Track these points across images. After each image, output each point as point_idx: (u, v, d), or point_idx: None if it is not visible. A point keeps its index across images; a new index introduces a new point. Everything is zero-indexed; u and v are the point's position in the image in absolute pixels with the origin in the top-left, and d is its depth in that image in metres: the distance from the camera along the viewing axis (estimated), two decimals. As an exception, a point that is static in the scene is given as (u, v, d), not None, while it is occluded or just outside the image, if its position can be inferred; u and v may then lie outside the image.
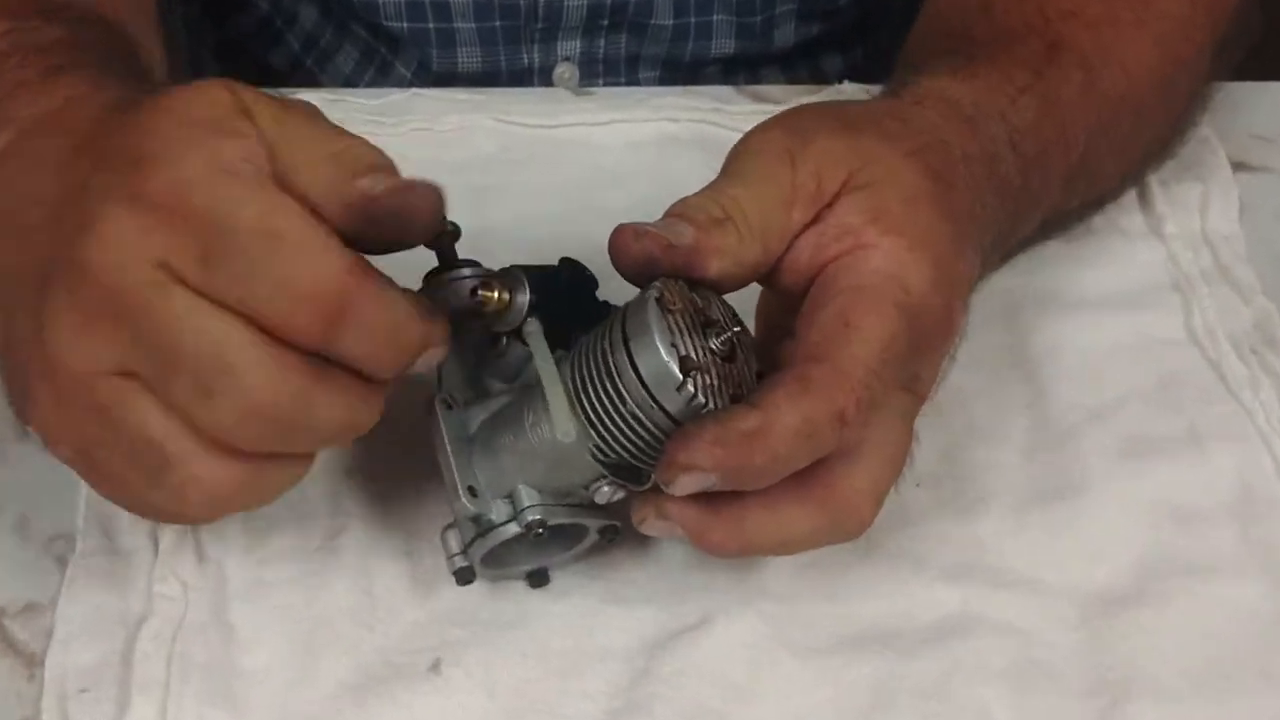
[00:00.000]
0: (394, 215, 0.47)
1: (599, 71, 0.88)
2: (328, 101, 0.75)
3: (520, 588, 0.58)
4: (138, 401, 0.46)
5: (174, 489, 0.47)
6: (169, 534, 0.58)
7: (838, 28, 0.91)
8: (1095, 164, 0.67)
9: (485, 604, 0.58)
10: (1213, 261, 0.71)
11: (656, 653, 0.56)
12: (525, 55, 0.86)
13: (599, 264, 0.54)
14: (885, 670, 0.56)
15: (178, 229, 0.44)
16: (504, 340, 0.54)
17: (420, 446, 0.56)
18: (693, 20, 0.85)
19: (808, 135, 0.54)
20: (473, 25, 0.84)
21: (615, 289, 0.54)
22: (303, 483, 0.50)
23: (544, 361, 0.52)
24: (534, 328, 0.53)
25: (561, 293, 0.55)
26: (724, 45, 0.87)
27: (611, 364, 0.50)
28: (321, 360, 0.46)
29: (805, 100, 0.74)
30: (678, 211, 0.52)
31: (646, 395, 0.49)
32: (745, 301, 0.55)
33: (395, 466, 0.60)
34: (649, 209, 0.53)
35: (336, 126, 0.48)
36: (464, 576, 0.56)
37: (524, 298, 0.53)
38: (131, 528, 0.59)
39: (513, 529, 0.54)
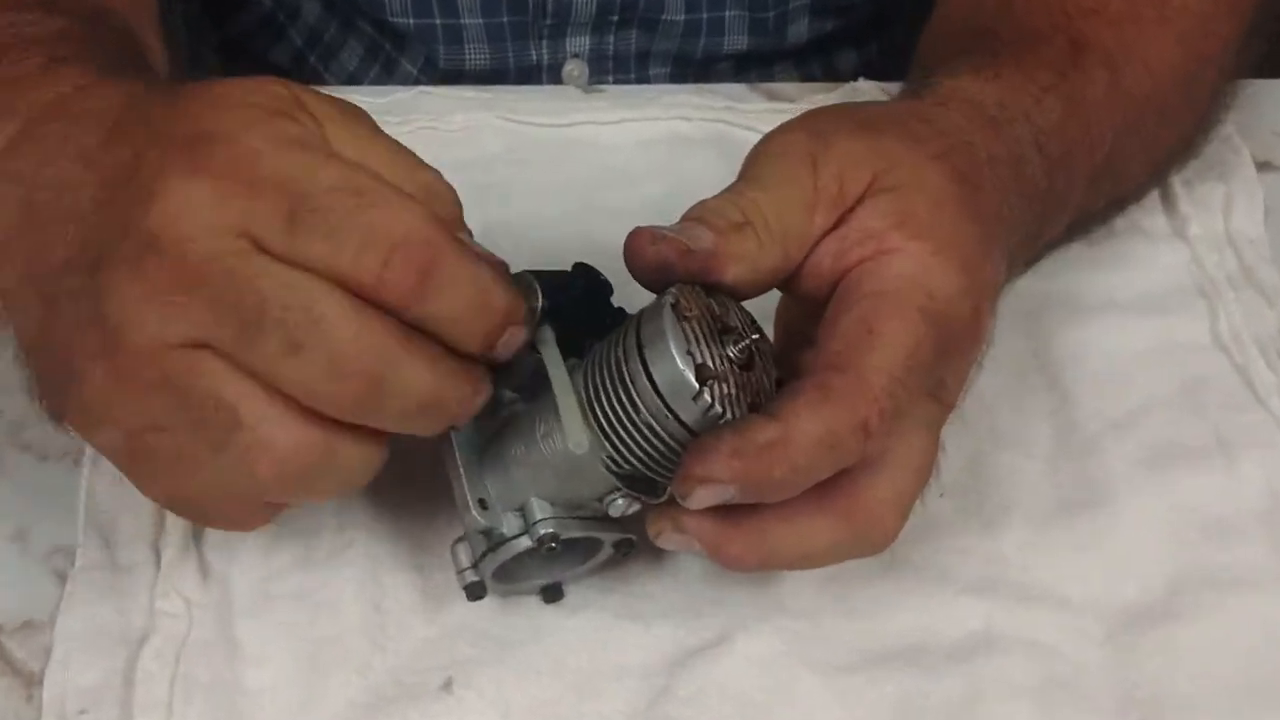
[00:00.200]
0: None
1: (609, 69, 0.87)
2: None
3: (533, 602, 0.57)
4: (209, 367, 0.45)
5: (242, 454, 0.46)
6: (171, 547, 0.57)
7: (852, 23, 0.90)
8: (1121, 164, 0.66)
9: (497, 619, 0.57)
10: (1237, 264, 0.70)
11: (675, 671, 0.55)
12: (534, 52, 0.85)
13: (611, 267, 0.53)
14: (909, 689, 0.55)
15: (256, 195, 0.44)
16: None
17: (430, 456, 0.54)
18: (705, 16, 0.84)
19: (830, 137, 0.53)
20: (480, 21, 0.83)
21: (630, 294, 0.53)
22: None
23: (556, 370, 0.51)
24: (546, 335, 0.51)
25: (575, 298, 0.53)
26: (736, 42, 0.86)
27: (625, 373, 0.49)
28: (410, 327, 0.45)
29: (820, 98, 0.75)
30: (695, 215, 0.51)
31: (661, 405, 0.48)
32: (764, 307, 0.54)
33: (404, 477, 0.58)
34: (661, 210, 0.53)
35: (398, 142, 0.49)
36: (475, 592, 0.55)
37: (536, 304, 0.51)
38: (132, 541, 0.58)
39: (524, 543, 0.53)
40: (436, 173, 0.49)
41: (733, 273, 0.50)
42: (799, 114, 0.55)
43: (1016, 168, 0.58)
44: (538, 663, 0.56)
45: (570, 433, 0.50)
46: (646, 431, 0.49)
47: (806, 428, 0.48)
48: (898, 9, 0.91)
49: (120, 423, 0.47)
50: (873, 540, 0.52)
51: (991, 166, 0.56)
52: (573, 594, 0.57)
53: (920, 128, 0.55)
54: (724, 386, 0.48)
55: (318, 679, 0.55)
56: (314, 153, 0.45)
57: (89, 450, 0.59)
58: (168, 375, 0.45)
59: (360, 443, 0.47)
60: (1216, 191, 0.72)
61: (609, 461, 0.50)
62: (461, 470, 0.53)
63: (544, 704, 0.55)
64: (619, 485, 0.51)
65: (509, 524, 0.53)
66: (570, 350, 0.52)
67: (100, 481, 0.59)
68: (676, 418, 0.48)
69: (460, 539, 0.55)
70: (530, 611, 0.57)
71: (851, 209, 0.52)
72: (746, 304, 0.52)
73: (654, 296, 0.50)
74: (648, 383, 0.48)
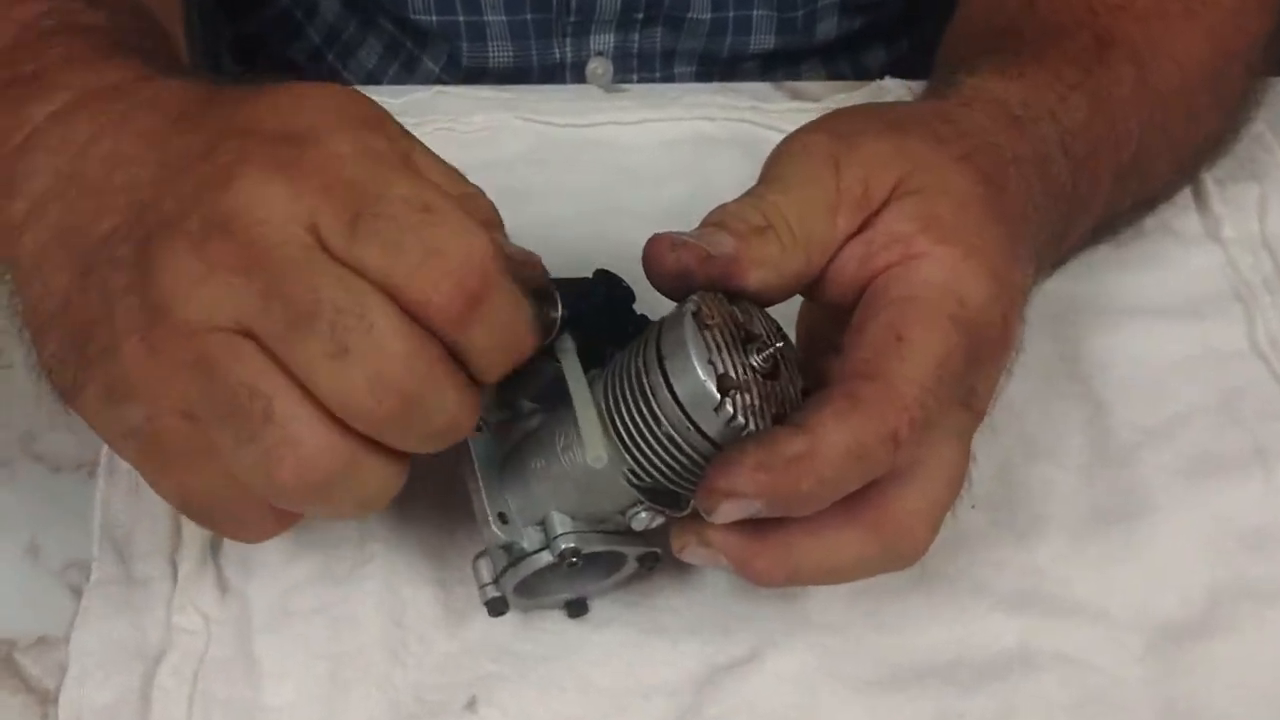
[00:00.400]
0: None
1: (633, 67, 0.87)
2: None
3: (557, 617, 0.56)
4: (249, 355, 0.44)
5: (267, 450, 0.45)
6: (188, 561, 0.57)
7: (881, 20, 0.90)
8: (1148, 163, 0.66)
9: (520, 635, 0.56)
10: (1274, 267, 0.69)
11: (704, 689, 0.55)
12: (557, 50, 0.85)
13: (634, 271, 0.52)
14: (944, 706, 0.55)
15: (328, 195, 0.44)
16: (535, 357, 0.51)
17: (451, 468, 0.54)
18: (731, 14, 0.84)
19: (853, 138, 0.52)
20: (504, 18, 0.83)
21: (653, 301, 0.52)
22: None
23: (575, 381, 0.50)
24: (566, 345, 0.50)
25: (596, 306, 0.52)
26: (764, 40, 0.86)
27: (646, 384, 0.48)
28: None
29: (844, 97, 0.75)
30: (715, 220, 0.50)
31: (683, 417, 0.47)
32: (786, 314, 0.53)
33: (425, 490, 0.58)
34: (684, 212, 0.52)
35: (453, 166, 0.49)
36: (496, 607, 0.54)
37: (556, 313, 0.50)
38: (148, 554, 0.57)
39: (545, 558, 0.52)
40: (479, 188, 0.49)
41: (755, 278, 0.49)
42: (821, 114, 0.55)
43: (1042, 167, 0.57)
44: (562, 680, 0.55)
45: (589, 446, 0.49)
46: (668, 444, 0.48)
47: (834, 439, 0.47)
48: (928, 5, 0.89)
49: (146, 401, 0.46)
50: (903, 554, 0.51)
51: (1016, 167, 0.55)
52: (597, 609, 0.56)
53: (944, 128, 0.54)
54: (747, 397, 0.47)
55: (338, 696, 0.54)
56: (392, 165, 0.46)
57: (103, 461, 0.59)
58: (206, 357, 0.44)
59: (383, 461, 0.46)
60: (1250, 192, 0.71)
61: (630, 475, 0.49)
62: (481, 483, 0.53)
63: (570, 724, 0.54)
64: (641, 499, 0.50)
65: (530, 538, 0.52)
66: (592, 360, 0.51)
67: (115, 493, 0.58)
68: (698, 430, 0.47)
69: (482, 553, 0.54)
70: (554, 627, 0.56)
71: (876, 212, 0.51)
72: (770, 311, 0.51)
73: (676, 305, 0.49)
74: (668, 394, 0.47)
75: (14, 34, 0.55)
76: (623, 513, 0.51)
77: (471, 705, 0.54)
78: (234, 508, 0.48)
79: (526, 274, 0.47)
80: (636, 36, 0.85)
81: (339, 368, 0.44)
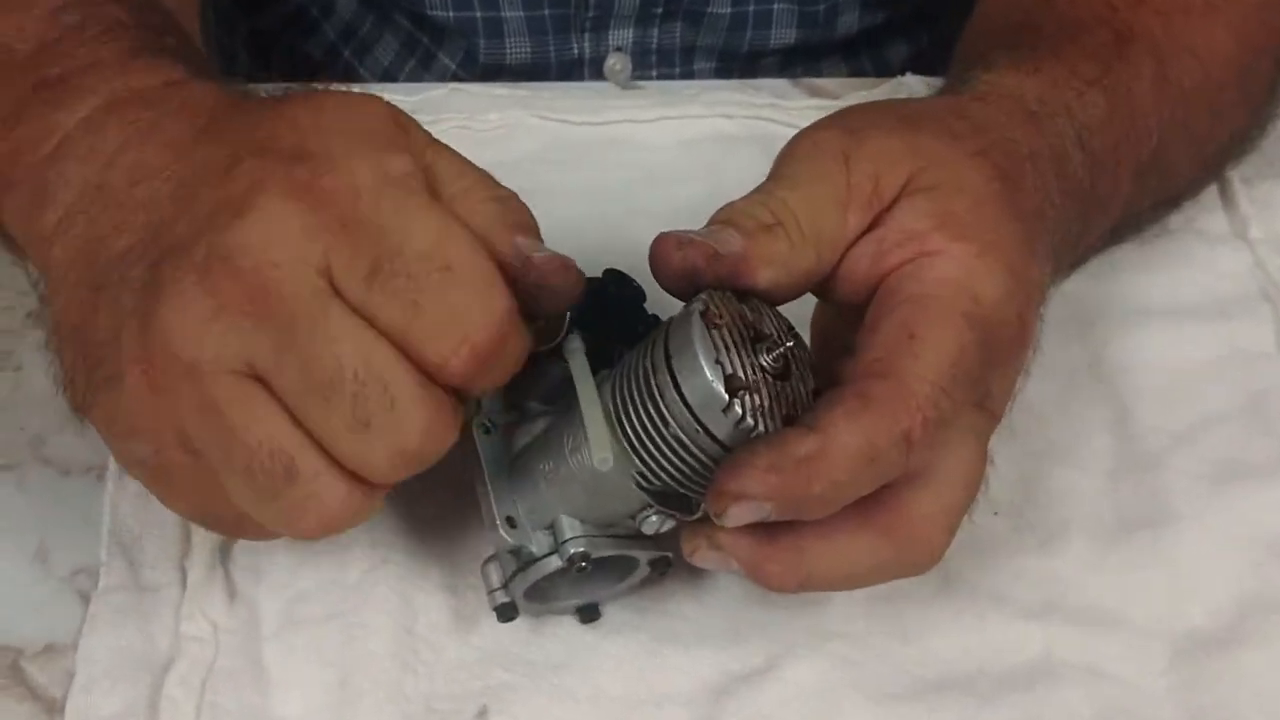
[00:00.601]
0: (537, 287, 0.47)
1: (652, 63, 0.86)
2: None
3: (568, 623, 0.56)
4: (263, 407, 0.44)
5: (291, 505, 0.45)
6: (198, 567, 0.56)
7: (903, 14, 0.89)
8: (1169, 161, 0.64)
9: (532, 642, 0.56)
10: (1303, 268, 0.68)
11: (719, 699, 0.54)
12: (575, 45, 0.84)
13: (649, 272, 0.51)
14: (966, 717, 0.54)
15: (347, 237, 0.43)
16: (543, 358, 0.51)
17: (460, 472, 0.53)
18: (751, 9, 0.83)
19: (863, 133, 0.52)
20: (521, 14, 0.83)
21: (664, 300, 0.51)
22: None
23: (583, 383, 0.49)
24: (575, 345, 0.50)
25: (606, 306, 0.52)
26: (784, 35, 0.85)
27: (654, 385, 0.47)
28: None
29: (864, 93, 0.75)
30: (723, 217, 0.50)
31: (691, 418, 0.47)
32: (801, 313, 0.52)
33: (435, 493, 0.58)
34: (702, 211, 0.51)
35: (484, 170, 0.48)
36: (505, 613, 0.54)
37: (565, 313, 0.50)
38: (157, 561, 0.57)
39: (554, 563, 0.52)
40: (512, 191, 0.48)
41: (764, 276, 0.49)
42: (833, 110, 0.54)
43: (1058, 164, 0.56)
44: (575, 689, 0.54)
45: (596, 449, 0.48)
46: (677, 446, 0.47)
47: (846, 439, 0.46)
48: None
49: (151, 437, 0.46)
50: (918, 559, 0.50)
51: (1033, 163, 0.55)
52: (609, 615, 0.56)
53: (958, 124, 0.54)
54: (756, 398, 0.46)
55: (348, 706, 0.53)
56: (413, 199, 0.44)
57: (112, 465, 0.59)
58: (214, 402, 0.44)
59: (378, 493, 0.46)
60: (1278, 190, 0.71)
61: (639, 478, 0.48)
62: (489, 487, 0.52)
63: (583, 734, 0.54)
64: (651, 502, 0.49)
65: (539, 542, 0.52)
66: (601, 360, 0.50)
67: (124, 498, 0.58)
68: (707, 432, 0.47)
69: (491, 558, 0.53)
70: (566, 634, 0.56)
71: (888, 209, 0.50)
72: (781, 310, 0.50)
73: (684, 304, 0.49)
74: (676, 395, 0.47)
75: (37, 31, 0.54)
76: (632, 516, 0.50)
77: (483, 714, 0.53)
78: (244, 523, 0.48)
79: (555, 284, 0.47)
80: (655, 31, 0.84)
81: (361, 439, 0.44)
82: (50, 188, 0.50)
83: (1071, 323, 0.65)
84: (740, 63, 0.86)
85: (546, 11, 0.82)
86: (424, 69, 0.88)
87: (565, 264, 0.47)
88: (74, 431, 0.57)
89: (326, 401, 0.43)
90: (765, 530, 0.49)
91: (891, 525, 0.49)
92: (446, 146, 0.48)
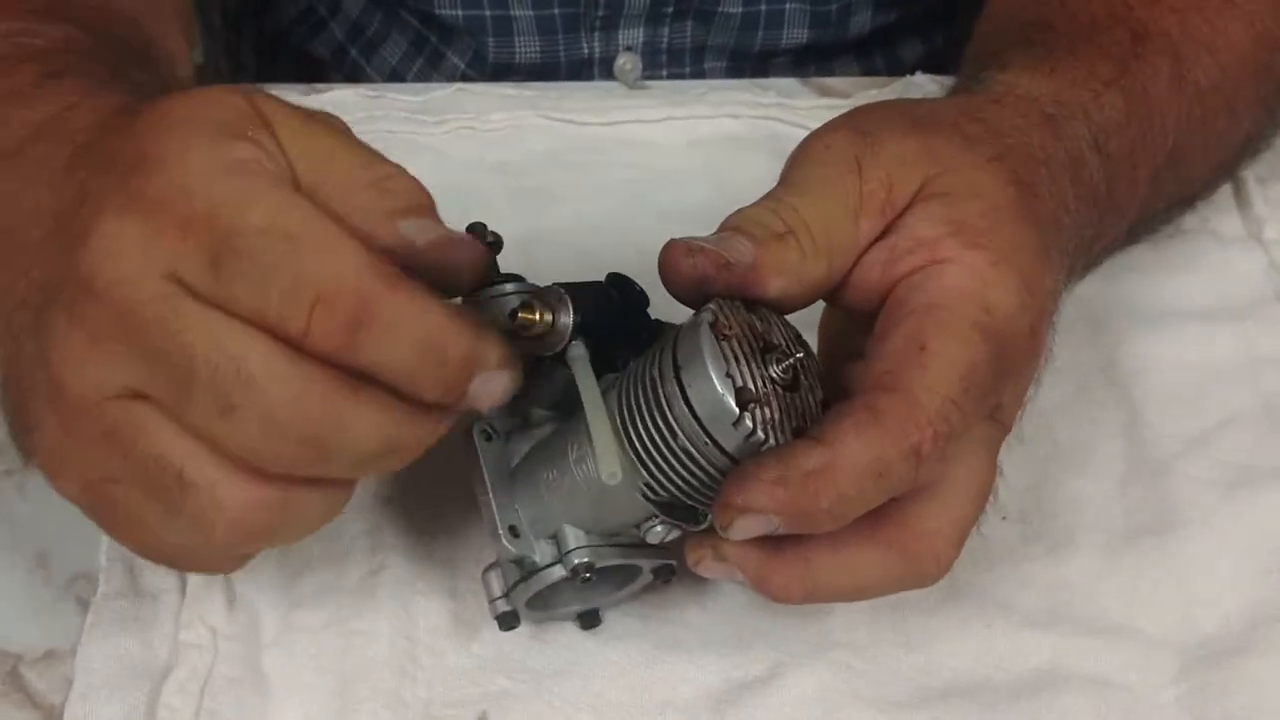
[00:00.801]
0: (433, 269, 0.44)
1: (663, 63, 0.86)
2: (367, 98, 0.74)
3: (570, 630, 0.56)
4: (151, 423, 0.43)
5: (195, 517, 0.44)
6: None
7: (916, 13, 0.88)
8: (1186, 161, 0.64)
9: (533, 649, 0.55)
10: (1319, 270, 0.68)
11: (721, 708, 0.54)
12: (585, 45, 0.84)
13: (657, 276, 0.50)
14: None
15: (184, 235, 0.41)
16: (546, 363, 0.50)
17: (464, 475, 0.53)
18: (763, 8, 0.83)
19: (876, 137, 0.51)
20: (531, 13, 0.82)
21: (669, 304, 0.50)
22: (339, 516, 0.47)
23: (588, 391, 0.48)
24: (579, 352, 0.49)
25: (609, 311, 0.51)
26: (796, 35, 0.84)
27: (662, 396, 0.47)
28: (355, 376, 0.42)
29: (874, 93, 0.74)
30: (734, 225, 0.49)
31: (700, 430, 0.46)
32: (809, 319, 0.52)
33: (437, 497, 0.58)
34: (710, 212, 0.51)
35: (372, 150, 0.45)
36: (507, 622, 0.53)
37: (567, 319, 0.49)
38: (157, 567, 0.56)
39: (557, 573, 0.51)
40: (396, 167, 0.45)
41: (775, 286, 0.48)
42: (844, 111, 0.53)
43: (1075, 170, 0.56)
44: (576, 697, 0.54)
45: (603, 462, 0.47)
46: (685, 458, 0.47)
47: (854, 454, 0.45)
48: (965, -5, 0.88)
49: (75, 474, 0.45)
50: (925, 572, 0.50)
51: (1049, 169, 0.54)
52: (610, 622, 0.56)
53: (973, 127, 0.53)
54: (766, 410, 0.46)
55: (347, 713, 0.53)
56: (251, 181, 0.42)
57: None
58: (110, 428, 0.43)
59: (318, 492, 0.45)
60: (1294, 190, 0.70)
61: (645, 489, 0.48)
62: (491, 496, 0.52)
63: (582, 742, 0.53)
64: (656, 513, 0.49)
65: (541, 552, 0.52)
66: (605, 366, 0.49)
67: (123, 504, 0.57)
68: (716, 444, 0.46)
69: (492, 565, 0.53)
70: (567, 640, 0.55)
71: (900, 215, 0.50)
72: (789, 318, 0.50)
73: (692, 312, 0.48)
74: (685, 407, 0.46)
75: None
76: (637, 526, 0.50)
77: (482, 722, 0.53)
78: (194, 556, 0.48)
79: (452, 262, 0.45)
80: (666, 31, 0.84)
81: (230, 424, 0.42)
82: None
83: (1083, 325, 0.65)
84: (752, 62, 0.85)
85: (556, 11, 0.82)
86: (432, 68, 0.87)
87: (454, 239, 0.45)
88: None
89: (191, 395, 0.42)
90: (771, 541, 0.48)
91: (899, 538, 0.49)
92: (325, 127, 0.45)
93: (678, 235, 0.49)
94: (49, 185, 0.47)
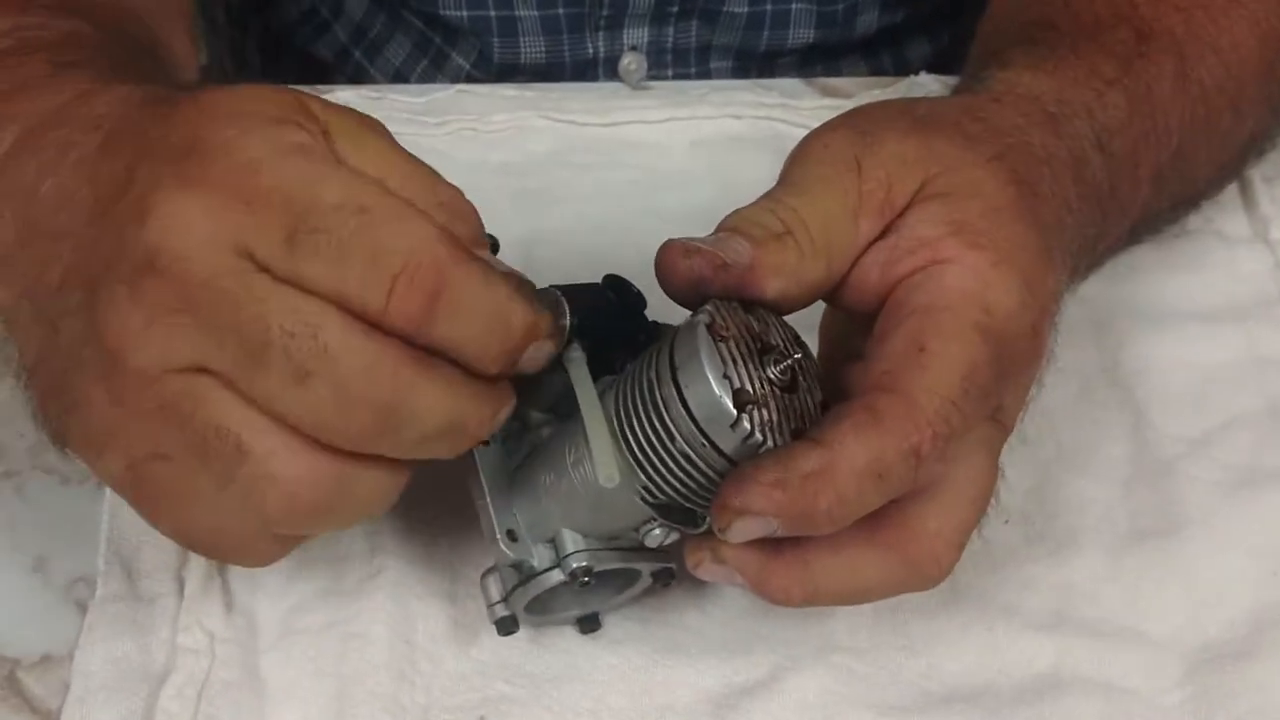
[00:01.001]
0: None
1: (668, 62, 0.85)
2: (369, 99, 0.74)
3: (569, 634, 0.56)
4: (212, 394, 0.43)
5: (248, 487, 0.44)
6: (195, 577, 0.56)
7: (923, 12, 0.88)
8: (1190, 161, 0.63)
9: (532, 654, 0.55)
10: (1326, 271, 0.68)
11: (722, 712, 0.54)
12: (590, 45, 0.84)
13: (654, 274, 0.50)
14: None
15: (252, 210, 0.42)
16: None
17: (462, 479, 0.52)
18: (769, 8, 0.82)
19: (876, 137, 0.50)
20: (535, 13, 0.82)
21: (667, 306, 0.50)
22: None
23: (585, 394, 0.48)
24: (576, 355, 0.49)
25: (606, 313, 0.51)
26: (802, 35, 0.84)
27: (659, 397, 0.46)
28: (423, 351, 0.43)
29: (877, 93, 0.74)
30: (731, 225, 0.49)
31: (698, 433, 0.46)
32: (809, 319, 0.51)
33: (435, 498, 0.57)
34: (712, 213, 0.50)
35: (426, 164, 0.46)
36: (506, 626, 0.53)
37: (564, 321, 0.49)
38: (155, 570, 0.56)
39: (556, 577, 0.51)
40: (456, 189, 0.46)
41: (773, 287, 0.48)
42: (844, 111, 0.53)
43: (1077, 169, 0.55)
44: (576, 702, 0.54)
45: (601, 467, 0.47)
46: (683, 461, 0.46)
47: (853, 455, 0.45)
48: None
49: (122, 450, 0.45)
50: (926, 574, 0.49)
51: (1050, 168, 0.53)
52: (610, 626, 0.55)
53: (974, 126, 0.53)
54: (764, 412, 0.46)
55: (345, 718, 0.53)
56: (317, 162, 0.43)
57: (111, 474, 0.58)
58: (168, 401, 0.43)
59: (376, 472, 0.45)
60: (1301, 190, 0.70)
61: (643, 492, 0.48)
62: (489, 500, 0.51)
63: (583, 748, 0.53)
64: (655, 516, 0.49)
65: (540, 556, 0.51)
66: (602, 368, 0.49)
67: (122, 507, 0.57)
68: (714, 446, 0.46)
69: (490, 570, 0.53)
70: (566, 645, 0.55)
71: (900, 215, 0.49)
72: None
73: (689, 313, 0.48)
74: (682, 410, 0.46)
75: None
76: (636, 529, 0.49)
77: (482, 728, 0.53)
78: (233, 539, 0.47)
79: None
80: (671, 31, 0.83)
81: (302, 393, 0.42)
82: None
83: (1086, 326, 0.64)
84: (758, 62, 0.85)
85: (561, 10, 0.82)
86: (436, 69, 0.87)
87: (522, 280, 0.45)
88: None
89: (263, 364, 0.42)
90: (770, 544, 0.48)
91: (899, 541, 0.48)
92: (382, 136, 0.46)
93: (679, 236, 0.48)
94: (77, 170, 0.47)
